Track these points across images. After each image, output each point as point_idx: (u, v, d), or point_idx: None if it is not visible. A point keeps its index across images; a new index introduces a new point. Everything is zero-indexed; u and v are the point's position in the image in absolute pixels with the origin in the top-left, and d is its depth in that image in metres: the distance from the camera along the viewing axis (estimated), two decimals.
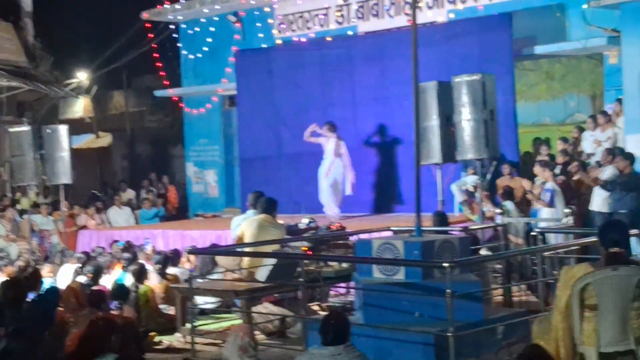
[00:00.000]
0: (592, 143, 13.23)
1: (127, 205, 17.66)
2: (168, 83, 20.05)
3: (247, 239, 8.99)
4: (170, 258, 10.67)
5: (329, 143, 13.47)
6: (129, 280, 9.45)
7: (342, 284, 9.09)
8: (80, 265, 10.35)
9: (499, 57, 13.15)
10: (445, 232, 8.71)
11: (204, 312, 9.41)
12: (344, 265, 8.70)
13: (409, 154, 12.53)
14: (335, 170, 13.43)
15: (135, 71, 24.88)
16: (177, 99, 20.35)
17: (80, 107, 26.32)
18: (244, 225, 9.22)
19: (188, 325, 8.09)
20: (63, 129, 13.61)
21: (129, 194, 19.23)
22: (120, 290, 8.50)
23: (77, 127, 22.17)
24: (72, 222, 15.70)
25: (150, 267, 9.96)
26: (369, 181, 14.79)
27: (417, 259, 6.87)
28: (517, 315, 7.19)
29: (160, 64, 20.08)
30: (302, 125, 14.90)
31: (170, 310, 9.38)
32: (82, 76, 22.97)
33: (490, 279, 8.90)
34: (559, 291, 5.46)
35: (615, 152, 11.83)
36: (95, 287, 8.77)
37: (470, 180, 12.57)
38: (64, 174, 13.45)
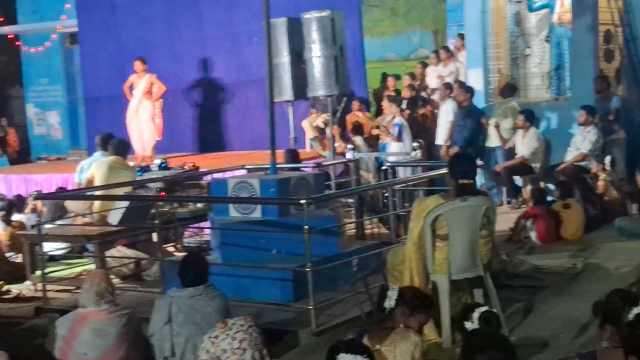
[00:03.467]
0: (436, 78, 13.64)
1: None
2: (3, 20, 18.96)
3: (98, 181, 8.72)
4: (15, 204, 10.23)
5: (141, 81, 12.93)
6: None
7: (198, 224, 9.02)
8: None
9: None
10: (298, 169, 8.79)
11: (53, 259, 9.12)
12: (199, 205, 8.63)
13: (260, 91, 12.52)
14: (143, 110, 12.87)
15: None
16: (13, 36, 19.31)
17: None
18: (94, 167, 8.92)
19: (38, 273, 7.82)
20: None
21: None
22: None
23: None
24: None
25: None
26: (221, 119, 14.67)
27: (273, 197, 6.91)
28: (371, 248, 7.38)
29: None
30: (148, 64, 14.52)
31: (18, 258, 9.03)
32: None
33: (343, 214, 9.10)
34: (412, 223, 5.65)
35: (452, 86, 12.24)
36: None
37: (321, 116, 12.69)
38: None
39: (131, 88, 13.10)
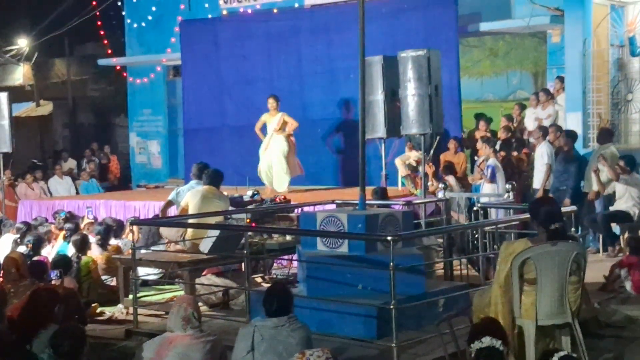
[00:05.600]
0: (534, 120, 13.46)
1: (68, 175, 17.43)
2: (111, 52, 19.74)
3: (191, 210, 8.95)
4: (113, 229, 10.55)
5: (273, 119, 13.20)
6: (70, 251, 9.34)
7: (286, 256, 9.12)
8: (20, 235, 10.19)
9: (444, 33, 13.23)
10: (388, 206, 8.79)
11: (146, 284, 9.38)
12: (288, 237, 8.72)
13: (355, 128, 12.61)
14: (275, 145, 13.10)
15: (78, 39, 24.42)
16: (120, 68, 20.05)
17: (20, 74, 25.81)
18: (188, 195, 9.17)
19: (130, 297, 8.04)
20: (3, 97, 13.35)
21: (70, 163, 18.99)
22: (62, 261, 8.41)
23: (17, 94, 21.72)
24: (12, 192, 15.45)
25: (92, 238, 9.85)
26: (314, 154, 14.82)
27: (360, 232, 6.93)
28: (458, 289, 7.31)
29: (104, 32, 19.76)
30: (247, 97, 14.89)
31: (113, 282, 9.31)
32: (22, 42, 22.47)
33: (432, 253, 9.04)
34: (499, 266, 5.58)
35: (546, 130, 12.06)
36: (36, 258, 8.65)
37: (413, 154, 12.69)
38: (4, 143, 13.24)
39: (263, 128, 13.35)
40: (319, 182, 14.58)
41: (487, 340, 4.64)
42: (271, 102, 13.12)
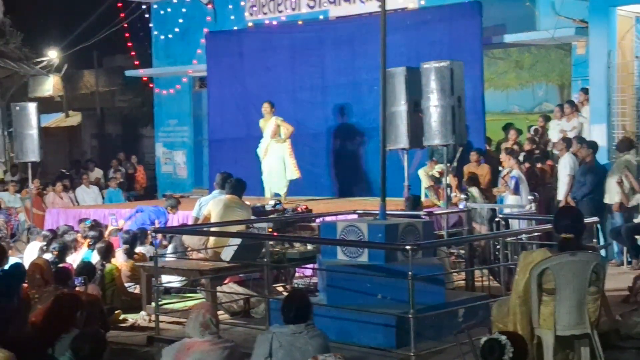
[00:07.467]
0: (558, 132, 13.41)
1: (95, 184, 17.63)
2: (139, 63, 19.94)
3: (213, 218, 9.04)
4: (138, 236, 10.66)
5: (267, 124, 13.34)
6: (95, 259, 9.45)
7: (307, 265, 9.16)
8: (46, 243, 10.32)
9: (468, 45, 13.23)
10: (413, 217, 8.79)
11: (169, 291, 9.46)
12: (309, 247, 8.76)
13: (377, 139, 12.62)
14: (273, 152, 13.23)
15: (106, 50, 24.74)
16: (147, 79, 20.25)
17: (50, 86, 26.20)
18: (211, 204, 9.26)
19: (153, 304, 8.12)
20: (32, 107, 13.54)
21: (97, 173, 19.21)
22: (86, 268, 8.51)
23: (46, 105, 22.05)
24: (40, 200, 15.65)
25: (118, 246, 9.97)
26: (337, 165, 14.86)
27: (380, 242, 6.96)
28: (478, 299, 7.31)
29: (131, 44, 19.97)
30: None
31: (136, 289, 9.40)
32: (52, 54, 22.77)
33: (450, 264, 9.05)
34: (518, 275, 5.59)
35: (569, 142, 12.00)
36: (61, 265, 8.76)
37: (436, 166, 12.69)
38: (33, 152, 13.41)
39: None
40: (342, 192, 14.62)
41: (496, 334, 4.69)
42: (265, 107, 13.36)
